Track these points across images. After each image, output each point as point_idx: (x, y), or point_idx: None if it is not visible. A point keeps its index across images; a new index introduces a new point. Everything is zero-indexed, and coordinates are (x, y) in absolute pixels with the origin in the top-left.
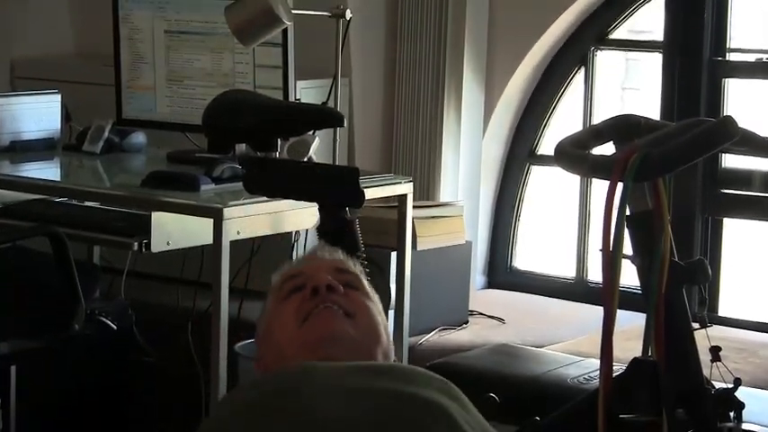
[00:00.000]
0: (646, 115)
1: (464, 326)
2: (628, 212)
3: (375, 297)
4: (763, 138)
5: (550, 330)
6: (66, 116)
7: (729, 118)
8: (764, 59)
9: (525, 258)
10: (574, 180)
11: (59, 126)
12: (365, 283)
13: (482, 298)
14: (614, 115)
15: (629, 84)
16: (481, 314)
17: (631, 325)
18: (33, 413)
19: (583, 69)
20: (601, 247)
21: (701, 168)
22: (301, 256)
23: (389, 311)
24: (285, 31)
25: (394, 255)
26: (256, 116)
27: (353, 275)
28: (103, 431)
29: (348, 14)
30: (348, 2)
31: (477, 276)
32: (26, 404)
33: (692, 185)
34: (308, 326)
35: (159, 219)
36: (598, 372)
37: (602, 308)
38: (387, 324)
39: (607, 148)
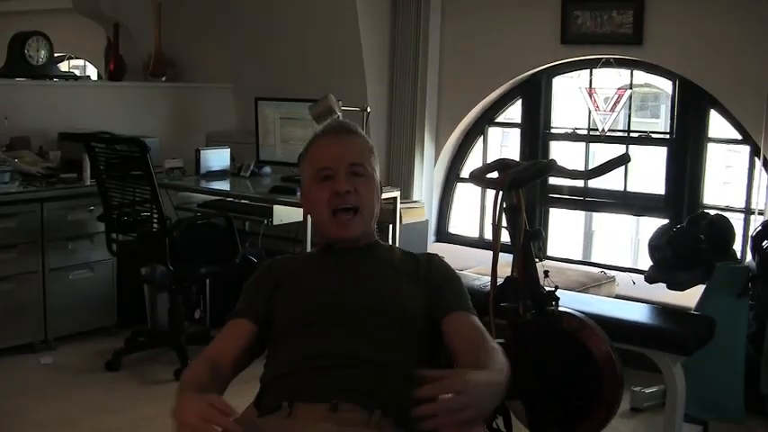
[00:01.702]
0: (513, 158)
1: None
2: (504, 205)
3: (375, 169)
4: (570, 169)
5: (467, 262)
6: (232, 158)
7: (553, 160)
8: (570, 131)
9: (454, 227)
10: (477, 189)
11: (229, 163)
12: (368, 163)
13: (433, 246)
14: (498, 158)
15: (504, 143)
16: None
17: (506, 260)
18: (218, 305)
19: (482, 136)
20: (492, 222)
21: (539, 183)
22: (329, 127)
23: None
24: (338, 117)
25: (391, 226)
26: None
27: (360, 166)
28: None
29: (368, 109)
30: (368, 101)
31: (430, 236)
32: (214, 301)
33: (535, 191)
34: (336, 221)
35: (277, 208)
36: (490, 283)
37: (491, 251)
38: (379, 191)
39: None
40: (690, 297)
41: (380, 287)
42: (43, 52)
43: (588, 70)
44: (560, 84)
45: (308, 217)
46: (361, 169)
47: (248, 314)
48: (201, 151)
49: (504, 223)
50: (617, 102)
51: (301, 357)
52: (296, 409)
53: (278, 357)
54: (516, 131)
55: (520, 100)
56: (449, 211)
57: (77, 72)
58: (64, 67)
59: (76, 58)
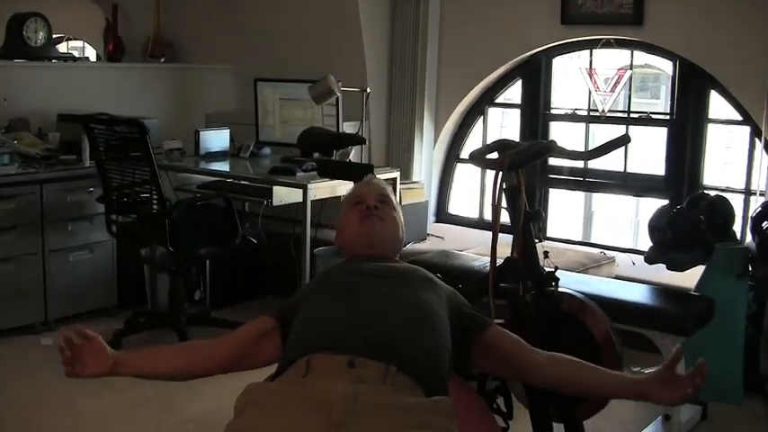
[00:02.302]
0: (513, 139)
1: (424, 240)
2: (504, 186)
3: (398, 209)
4: (570, 150)
5: (466, 243)
6: (231, 139)
7: (553, 141)
8: (570, 112)
9: (453, 207)
10: (477, 170)
11: (228, 145)
12: (394, 201)
13: (433, 227)
14: (498, 139)
15: (504, 123)
16: (432, 235)
17: (506, 240)
18: (217, 286)
19: (482, 116)
20: (491, 202)
21: (539, 164)
22: (363, 181)
23: None
24: (337, 98)
25: None
26: (323, 139)
27: (387, 197)
28: (250, 292)
29: (368, 90)
30: (368, 82)
31: (430, 216)
32: (214, 282)
33: (535, 172)
34: (363, 225)
35: (277, 189)
36: (490, 263)
37: (491, 232)
38: (402, 224)
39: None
40: (689, 278)
41: (406, 282)
42: (42, 33)
43: (588, 51)
44: (560, 64)
45: (307, 201)
46: (387, 199)
47: (270, 313)
48: (201, 132)
49: (504, 204)
50: (617, 82)
51: (322, 314)
52: (312, 364)
53: (298, 321)
54: (516, 112)
55: (520, 80)
56: (448, 191)
57: (76, 53)
58: (62, 48)
59: (75, 39)
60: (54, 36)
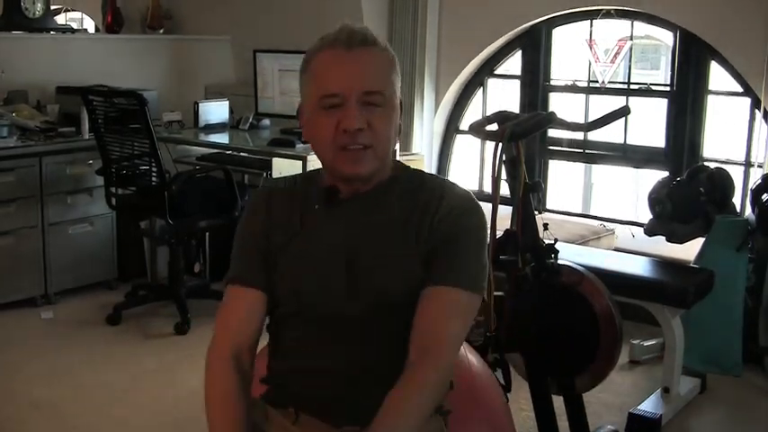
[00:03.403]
0: (512, 110)
1: None
2: (504, 157)
3: (396, 90)
4: (570, 122)
5: None
6: (231, 111)
7: (553, 112)
8: (570, 83)
9: (453, 179)
10: (476, 141)
11: (228, 116)
12: (389, 85)
13: None
14: (497, 110)
15: (504, 95)
16: None
17: (506, 213)
18: (217, 258)
19: (482, 88)
20: (491, 174)
21: (539, 136)
22: (341, 36)
23: None
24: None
25: None
26: None
27: (378, 94)
28: None
29: None
30: None
31: None
32: (213, 254)
33: (534, 144)
34: (343, 157)
35: (276, 161)
36: (489, 236)
37: (491, 203)
38: (399, 116)
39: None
40: (689, 250)
41: (384, 280)
42: (39, 5)
43: (588, 21)
44: (560, 35)
45: (306, 170)
46: (378, 98)
47: (259, 284)
48: (200, 104)
49: (504, 176)
50: (617, 53)
51: (302, 362)
52: (301, 419)
53: (281, 344)
54: (516, 83)
55: (519, 51)
56: (448, 163)
57: (74, 25)
58: (61, 19)
59: (73, 10)
60: (52, 7)
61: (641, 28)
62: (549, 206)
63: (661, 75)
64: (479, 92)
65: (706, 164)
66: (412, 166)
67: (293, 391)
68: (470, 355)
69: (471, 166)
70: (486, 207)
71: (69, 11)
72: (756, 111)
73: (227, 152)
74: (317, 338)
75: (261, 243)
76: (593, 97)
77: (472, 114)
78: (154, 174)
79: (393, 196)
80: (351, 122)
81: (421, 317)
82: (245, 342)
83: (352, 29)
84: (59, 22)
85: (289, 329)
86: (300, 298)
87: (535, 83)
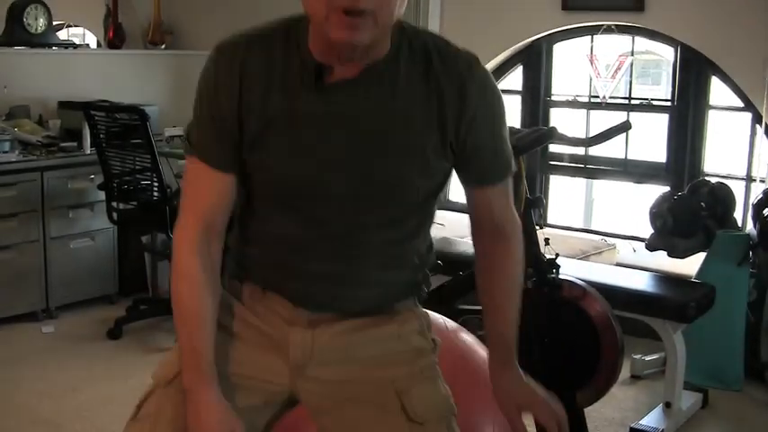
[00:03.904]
0: (513, 125)
1: None
2: None
3: None
4: (570, 137)
5: (466, 230)
6: None
7: (554, 127)
8: (571, 99)
9: (454, 195)
10: None
11: None
12: None
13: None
14: None
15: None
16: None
17: None
18: None
19: None
20: None
21: (540, 151)
22: None
23: None
24: None
25: None
26: None
27: None
28: None
29: None
30: None
31: None
32: None
33: (535, 159)
34: (338, 20)
35: None
36: None
37: None
38: None
39: None
40: (690, 265)
41: (375, 164)
42: (42, 20)
43: (589, 37)
44: (561, 50)
45: None
46: None
47: (229, 168)
48: None
49: None
50: (618, 69)
51: (277, 254)
52: (268, 300)
53: (251, 227)
54: (517, 98)
55: (520, 67)
56: (449, 178)
57: (76, 40)
58: (63, 35)
59: (75, 26)
60: (54, 23)
61: (642, 43)
62: (550, 221)
63: (662, 90)
64: None
65: (707, 179)
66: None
67: (264, 274)
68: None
69: None
70: None
71: (71, 26)
72: (757, 126)
73: None
74: (305, 239)
75: (231, 124)
76: (593, 112)
77: None
78: (155, 188)
79: (399, 76)
80: None
81: (486, 211)
82: (214, 228)
83: None
84: (61, 38)
85: (267, 222)
86: (283, 193)
87: (536, 98)
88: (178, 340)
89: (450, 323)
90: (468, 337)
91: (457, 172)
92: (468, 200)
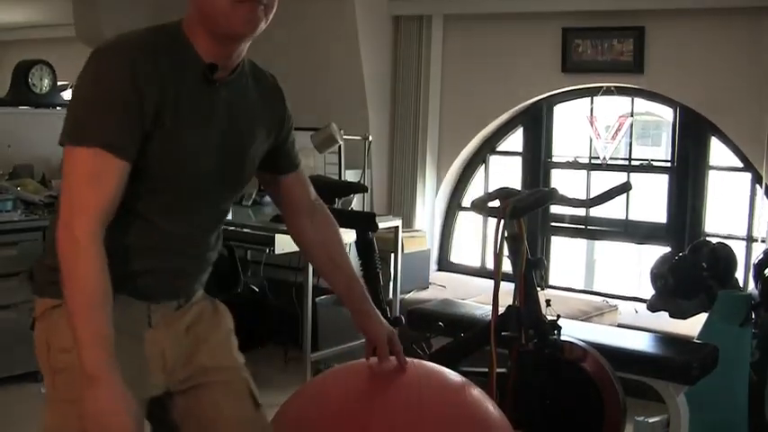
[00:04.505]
0: (514, 187)
1: (426, 289)
2: (506, 234)
3: None
4: (571, 198)
5: (468, 292)
6: None
7: (554, 188)
8: (572, 160)
9: (455, 256)
10: (479, 218)
11: None
12: None
13: (435, 276)
14: (499, 187)
15: (505, 172)
16: (434, 284)
17: (508, 288)
18: None
19: (483, 165)
20: (494, 251)
21: (541, 212)
22: None
23: (390, 283)
24: (340, 147)
25: (392, 255)
26: (325, 187)
27: None
28: (251, 340)
29: (370, 138)
30: (370, 130)
31: (432, 265)
32: None
33: (536, 220)
34: (241, 10)
35: (279, 237)
36: (492, 312)
37: (493, 280)
38: None
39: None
40: (692, 326)
41: (247, 158)
42: (47, 81)
43: (589, 98)
44: (561, 112)
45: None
46: None
47: (130, 155)
48: None
49: (506, 252)
50: (618, 130)
51: (154, 243)
52: (153, 316)
53: (133, 225)
54: (518, 160)
55: (521, 128)
56: (450, 239)
57: None
58: (67, 95)
59: None
60: (59, 83)
61: (642, 104)
62: (551, 282)
63: (662, 150)
64: (481, 168)
65: (708, 239)
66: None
67: (142, 282)
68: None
69: (474, 243)
70: (489, 283)
71: None
72: (757, 186)
73: (230, 228)
74: (180, 215)
75: (134, 111)
76: (594, 173)
77: (474, 191)
78: None
79: (250, 80)
80: None
81: (303, 194)
82: (107, 220)
83: None
84: (66, 98)
85: (144, 203)
86: (173, 179)
87: (537, 159)
88: (79, 328)
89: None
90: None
91: (275, 164)
92: (282, 191)
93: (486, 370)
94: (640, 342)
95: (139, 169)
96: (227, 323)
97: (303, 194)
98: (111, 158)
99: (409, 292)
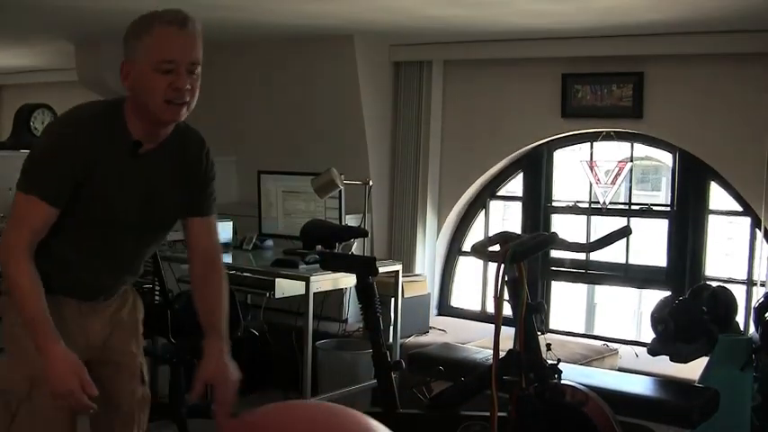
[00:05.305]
0: (514, 231)
1: (427, 333)
2: (506, 278)
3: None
4: (571, 242)
5: (468, 336)
6: (235, 231)
7: (554, 233)
8: (572, 204)
9: (455, 300)
10: (479, 263)
11: (231, 236)
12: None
13: (435, 320)
14: (500, 231)
15: (506, 216)
16: (434, 328)
17: (508, 333)
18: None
19: (484, 209)
20: (494, 295)
21: (541, 256)
22: (174, 18)
23: (390, 327)
24: (340, 191)
25: (393, 299)
26: (326, 231)
27: (198, 65)
28: (251, 384)
29: (370, 183)
30: (370, 174)
31: (432, 309)
32: None
33: (537, 264)
34: (169, 109)
35: (279, 281)
36: (492, 356)
37: (493, 324)
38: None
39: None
40: (693, 370)
41: (166, 210)
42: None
43: (589, 143)
44: (561, 157)
45: (310, 293)
46: (197, 68)
47: (59, 205)
48: None
49: (506, 296)
50: (618, 174)
51: (90, 266)
52: (83, 309)
53: (68, 249)
54: (518, 204)
55: (521, 173)
56: (451, 284)
57: None
58: None
59: None
60: None
61: (641, 149)
62: (552, 326)
63: (662, 195)
64: (481, 213)
65: (708, 283)
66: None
67: (73, 288)
68: None
69: (474, 287)
70: (490, 327)
71: None
72: (757, 230)
73: (231, 272)
74: (107, 248)
75: (77, 174)
76: (594, 218)
77: (474, 235)
78: (157, 292)
79: (175, 148)
80: (182, 83)
81: (201, 237)
82: (36, 242)
83: (181, 12)
84: None
85: (74, 241)
86: (99, 224)
87: (537, 204)
88: (26, 317)
89: None
90: None
91: (190, 208)
92: (187, 230)
93: (488, 414)
94: (641, 386)
95: (74, 210)
96: (139, 314)
97: (203, 238)
98: (45, 205)
99: (409, 336)
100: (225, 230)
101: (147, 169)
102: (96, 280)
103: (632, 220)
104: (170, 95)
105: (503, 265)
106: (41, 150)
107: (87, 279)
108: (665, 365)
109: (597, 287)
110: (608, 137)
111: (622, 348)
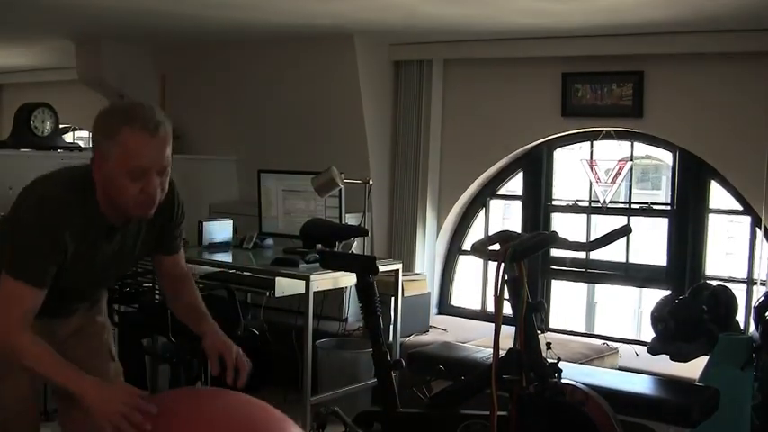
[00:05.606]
0: (514, 230)
1: (427, 332)
2: (506, 277)
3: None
4: (571, 241)
5: (468, 335)
6: (235, 230)
7: (555, 232)
8: (572, 203)
9: (455, 299)
10: (479, 262)
11: (231, 235)
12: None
13: (435, 319)
14: (499, 230)
15: (506, 215)
16: (434, 327)
17: (508, 332)
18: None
19: (484, 208)
20: (494, 294)
21: (541, 255)
22: (145, 121)
23: (390, 326)
24: (340, 190)
25: (393, 299)
26: (326, 230)
27: (168, 167)
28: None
29: (370, 182)
30: (370, 174)
31: (432, 308)
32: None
33: (537, 263)
34: (140, 209)
35: (279, 280)
36: (492, 355)
37: (493, 323)
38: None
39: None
40: (693, 368)
41: (134, 260)
42: (49, 123)
43: (589, 142)
44: (561, 156)
45: (310, 292)
46: (167, 169)
47: (47, 285)
48: (204, 223)
49: (507, 295)
50: (618, 173)
51: (61, 301)
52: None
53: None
54: (518, 203)
55: (521, 172)
56: (451, 283)
57: (82, 143)
58: (69, 138)
59: (81, 129)
60: (61, 126)
61: (641, 148)
62: (552, 325)
63: (662, 194)
64: (482, 212)
65: (708, 282)
66: None
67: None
68: None
69: (474, 287)
70: (490, 327)
71: (77, 129)
72: (757, 229)
73: (231, 271)
74: (82, 287)
75: (59, 255)
76: (594, 217)
77: (475, 235)
78: (157, 291)
79: (140, 222)
80: (153, 188)
81: (170, 268)
82: (31, 318)
83: (152, 114)
84: (67, 141)
85: (61, 282)
86: (79, 277)
87: (537, 203)
88: (49, 376)
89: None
90: None
91: (159, 248)
92: (161, 264)
93: (488, 413)
94: (641, 385)
95: (58, 274)
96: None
97: (171, 268)
98: (32, 289)
99: (410, 335)
100: (225, 229)
101: (119, 240)
102: (70, 308)
103: (632, 219)
104: (140, 199)
105: (503, 264)
106: (22, 233)
107: (65, 307)
108: (665, 364)
109: (597, 286)
110: (608, 136)
111: (622, 347)
